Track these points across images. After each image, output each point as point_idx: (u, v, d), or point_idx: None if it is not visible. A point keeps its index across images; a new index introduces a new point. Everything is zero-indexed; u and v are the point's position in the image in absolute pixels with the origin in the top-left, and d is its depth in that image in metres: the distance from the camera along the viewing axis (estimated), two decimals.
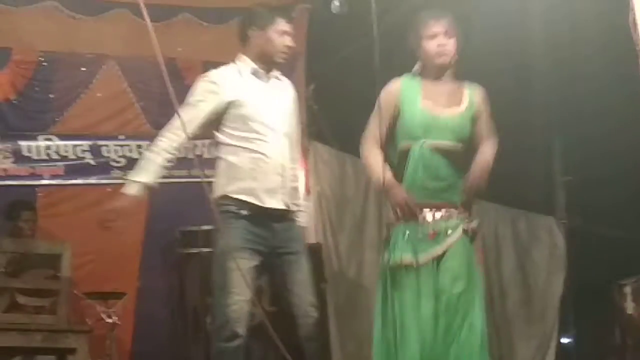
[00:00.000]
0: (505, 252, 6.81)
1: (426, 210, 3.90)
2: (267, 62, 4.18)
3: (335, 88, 6.48)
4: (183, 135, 3.94)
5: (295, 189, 4.24)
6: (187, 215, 6.01)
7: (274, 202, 4.05)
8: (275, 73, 4.24)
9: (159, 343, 6.32)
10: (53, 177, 6.54)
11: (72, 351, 4.72)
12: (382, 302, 3.90)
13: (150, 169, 4.00)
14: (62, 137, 6.56)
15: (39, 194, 6.50)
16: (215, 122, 4.09)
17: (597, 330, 6.67)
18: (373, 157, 3.96)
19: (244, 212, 4.00)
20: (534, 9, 6.12)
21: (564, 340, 6.99)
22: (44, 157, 6.52)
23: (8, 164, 6.44)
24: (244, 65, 4.17)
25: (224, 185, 4.05)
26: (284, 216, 4.10)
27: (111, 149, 6.65)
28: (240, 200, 4.01)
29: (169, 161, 4.01)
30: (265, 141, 4.06)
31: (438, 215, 3.90)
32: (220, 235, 4.04)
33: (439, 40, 3.95)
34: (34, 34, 6.37)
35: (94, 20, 6.43)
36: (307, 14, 6.68)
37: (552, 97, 6.69)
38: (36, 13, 6.31)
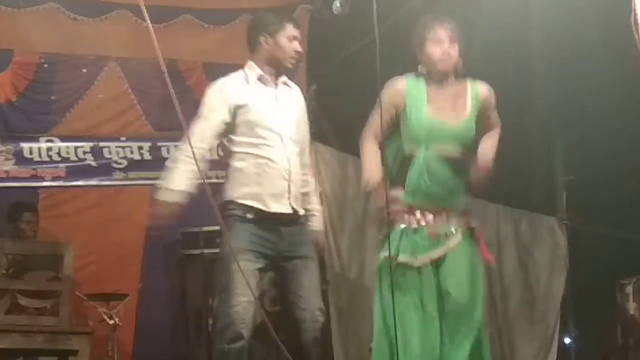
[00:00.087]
0: (507, 252, 6.80)
1: (427, 214, 3.90)
2: (276, 68, 4.22)
3: (336, 88, 6.48)
4: (204, 146, 4.02)
5: (306, 194, 4.26)
6: (188, 216, 6.00)
7: (280, 207, 4.07)
8: (284, 79, 4.27)
9: (161, 344, 6.33)
10: (54, 178, 6.54)
11: (74, 353, 4.74)
12: (380, 302, 3.90)
13: (183, 176, 4.00)
14: (64, 138, 6.56)
15: (41, 196, 6.50)
16: (227, 129, 4.12)
17: (598, 330, 6.68)
18: (369, 154, 3.96)
19: (250, 216, 4.03)
20: (535, 9, 6.12)
21: (566, 340, 6.99)
22: (46, 158, 6.52)
23: (9, 166, 6.44)
24: (251, 71, 4.20)
25: (230, 191, 4.08)
26: (291, 220, 4.11)
27: (112, 151, 6.66)
28: (246, 205, 4.04)
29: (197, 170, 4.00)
30: (271, 146, 4.09)
31: (439, 218, 3.90)
32: (225, 238, 4.04)
33: (443, 46, 3.92)
34: (36, 36, 6.37)
35: (95, 22, 6.44)
36: (308, 15, 6.69)
37: (554, 97, 6.69)
38: (37, 15, 6.31)
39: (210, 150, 4.16)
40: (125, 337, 6.24)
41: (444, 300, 3.84)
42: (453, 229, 3.90)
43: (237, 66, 4.36)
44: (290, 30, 4.20)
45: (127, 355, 6.29)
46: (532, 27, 6.30)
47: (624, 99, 6.06)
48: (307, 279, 4.08)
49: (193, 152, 3.75)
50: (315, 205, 4.35)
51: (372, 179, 3.88)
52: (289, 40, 4.20)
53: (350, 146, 6.09)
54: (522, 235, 6.90)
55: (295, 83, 4.46)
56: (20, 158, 6.47)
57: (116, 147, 6.66)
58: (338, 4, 5.96)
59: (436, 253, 3.87)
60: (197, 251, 5.97)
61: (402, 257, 3.84)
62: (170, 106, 3.44)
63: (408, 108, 3.93)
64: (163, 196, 4.00)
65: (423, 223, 3.89)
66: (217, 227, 4.47)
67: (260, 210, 4.04)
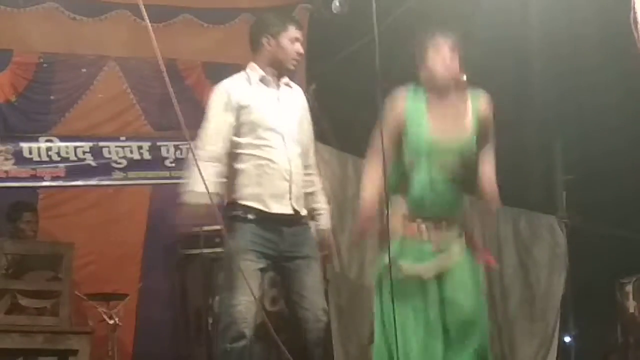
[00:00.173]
0: (507, 251, 6.80)
1: (428, 224, 3.92)
2: (278, 69, 4.23)
3: (336, 88, 6.47)
4: (216, 149, 4.03)
5: (312, 193, 4.29)
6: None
7: (281, 208, 4.09)
8: (286, 80, 4.28)
9: (161, 344, 6.33)
10: (54, 178, 6.54)
11: (74, 353, 4.74)
12: (380, 311, 3.91)
13: (206, 177, 3.99)
14: (63, 138, 6.56)
15: (40, 196, 6.49)
16: (233, 131, 4.12)
17: (598, 329, 6.67)
18: (369, 175, 3.97)
19: (251, 217, 4.05)
20: (533, 7, 6.13)
21: (566, 339, 6.99)
22: (45, 158, 6.51)
23: (9, 166, 6.44)
24: (253, 73, 4.21)
25: (232, 192, 4.10)
26: (292, 221, 4.12)
27: (112, 150, 6.65)
28: (247, 206, 4.06)
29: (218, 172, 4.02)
30: (272, 147, 4.10)
31: (439, 228, 3.92)
32: (227, 238, 4.05)
33: (445, 58, 3.91)
34: (35, 36, 6.36)
35: (95, 22, 6.44)
36: (308, 14, 6.69)
37: (552, 96, 6.69)
38: (37, 14, 6.31)
39: (224, 151, 4.10)
40: (125, 337, 6.24)
41: (446, 310, 3.85)
42: (454, 238, 3.92)
43: (237, 65, 4.36)
44: (292, 31, 4.22)
45: (127, 355, 6.29)
46: (530, 25, 6.32)
47: (623, 97, 6.06)
48: (310, 279, 4.09)
49: (207, 154, 3.81)
50: (322, 204, 4.37)
51: (367, 206, 3.90)
52: (291, 41, 4.22)
53: (349, 145, 6.10)
54: (522, 234, 6.90)
55: (295, 82, 4.47)
56: (19, 158, 6.46)
57: (116, 146, 6.66)
58: (337, 3, 5.96)
59: (439, 261, 3.88)
60: (197, 251, 5.96)
61: (404, 266, 3.84)
62: (169, 106, 3.44)
63: (409, 124, 3.93)
64: (190, 198, 3.97)
65: (425, 234, 3.91)
66: (217, 227, 4.46)
67: (261, 210, 4.06)
